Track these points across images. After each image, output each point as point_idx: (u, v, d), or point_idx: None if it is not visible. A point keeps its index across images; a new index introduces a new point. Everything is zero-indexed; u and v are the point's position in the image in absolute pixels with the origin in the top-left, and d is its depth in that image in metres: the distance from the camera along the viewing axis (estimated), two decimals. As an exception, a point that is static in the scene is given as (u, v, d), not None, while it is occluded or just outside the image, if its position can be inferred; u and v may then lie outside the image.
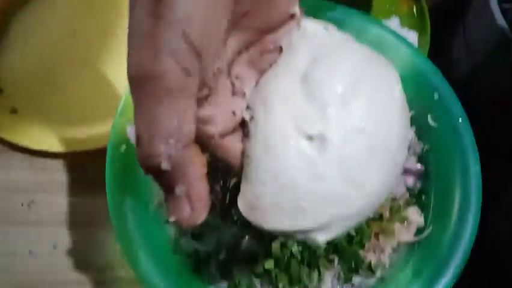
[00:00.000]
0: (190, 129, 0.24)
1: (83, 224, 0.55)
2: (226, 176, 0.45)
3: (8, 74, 0.61)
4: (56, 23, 0.64)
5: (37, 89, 0.60)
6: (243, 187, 0.29)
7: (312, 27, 0.29)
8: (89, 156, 0.54)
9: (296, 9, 0.28)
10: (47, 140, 0.57)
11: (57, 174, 0.57)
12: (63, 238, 0.55)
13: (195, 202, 0.25)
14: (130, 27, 0.23)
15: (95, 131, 0.57)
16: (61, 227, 0.55)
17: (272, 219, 0.28)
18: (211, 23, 0.23)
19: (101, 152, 0.45)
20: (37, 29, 0.63)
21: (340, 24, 0.46)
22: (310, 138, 0.27)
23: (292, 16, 0.28)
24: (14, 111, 0.59)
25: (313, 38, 0.29)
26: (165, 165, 0.23)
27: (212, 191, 0.46)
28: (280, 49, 0.28)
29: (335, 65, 0.27)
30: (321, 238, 0.28)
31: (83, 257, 0.54)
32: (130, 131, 0.44)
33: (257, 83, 0.29)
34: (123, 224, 0.41)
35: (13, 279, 0.53)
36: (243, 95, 0.28)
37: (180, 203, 0.25)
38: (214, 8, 0.23)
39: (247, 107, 0.28)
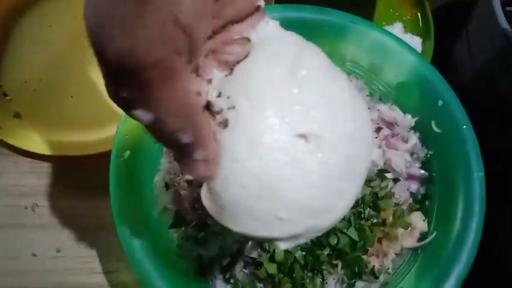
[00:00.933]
0: (196, 99, 0.25)
1: (86, 227, 0.55)
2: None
3: (12, 78, 0.61)
4: (61, 29, 0.63)
5: (41, 94, 0.60)
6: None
7: (279, 28, 0.29)
8: (92, 160, 0.54)
9: (262, 2, 0.28)
10: (50, 144, 0.57)
11: (61, 177, 0.58)
12: (66, 241, 0.55)
13: (211, 161, 0.26)
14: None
15: (98, 136, 0.57)
16: (65, 231, 0.55)
17: (242, 224, 0.25)
18: (199, 3, 0.23)
19: (104, 156, 0.45)
20: (42, 34, 0.63)
21: (343, 30, 0.47)
22: (303, 137, 0.25)
23: (258, 8, 0.28)
24: (17, 115, 0.59)
25: (288, 36, 0.28)
26: (186, 139, 0.24)
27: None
28: (247, 40, 0.28)
29: (320, 65, 0.27)
30: (283, 246, 0.26)
31: (86, 260, 0.54)
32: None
33: (230, 73, 0.28)
34: (127, 228, 0.41)
35: (17, 282, 0.53)
36: (207, 81, 0.27)
37: (197, 164, 0.26)
38: None
39: (220, 95, 0.27)
